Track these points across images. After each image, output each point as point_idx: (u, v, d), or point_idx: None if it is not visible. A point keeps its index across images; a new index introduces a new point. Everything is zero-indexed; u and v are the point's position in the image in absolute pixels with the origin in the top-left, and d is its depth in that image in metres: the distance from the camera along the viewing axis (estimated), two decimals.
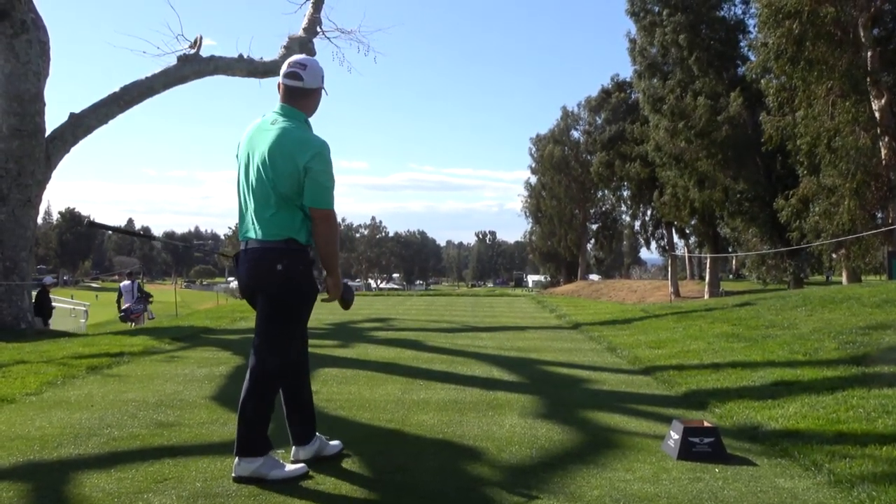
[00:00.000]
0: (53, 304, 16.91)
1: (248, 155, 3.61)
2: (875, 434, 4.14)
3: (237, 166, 3.71)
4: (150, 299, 17.66)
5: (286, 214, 3.51)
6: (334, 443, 3.98)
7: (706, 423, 4.12)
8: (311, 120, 3.71)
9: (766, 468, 3.76)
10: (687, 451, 3.89)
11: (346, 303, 3.81)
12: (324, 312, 14.22)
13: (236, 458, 3.52)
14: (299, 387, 3.82)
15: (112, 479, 3.52)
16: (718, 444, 3.93)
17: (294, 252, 3.52)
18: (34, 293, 16.82)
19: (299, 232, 3.53)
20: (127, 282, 17.81)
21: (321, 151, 3.51)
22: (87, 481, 3.49)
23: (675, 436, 4.00)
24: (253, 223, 3.57)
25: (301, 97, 3.64)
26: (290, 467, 3.60)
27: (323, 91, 3.73)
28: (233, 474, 3.52)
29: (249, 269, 3.57)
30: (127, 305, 16.90)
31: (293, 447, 3.82)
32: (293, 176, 3.46)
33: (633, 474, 3.66)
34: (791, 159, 25.77)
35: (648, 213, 48.45)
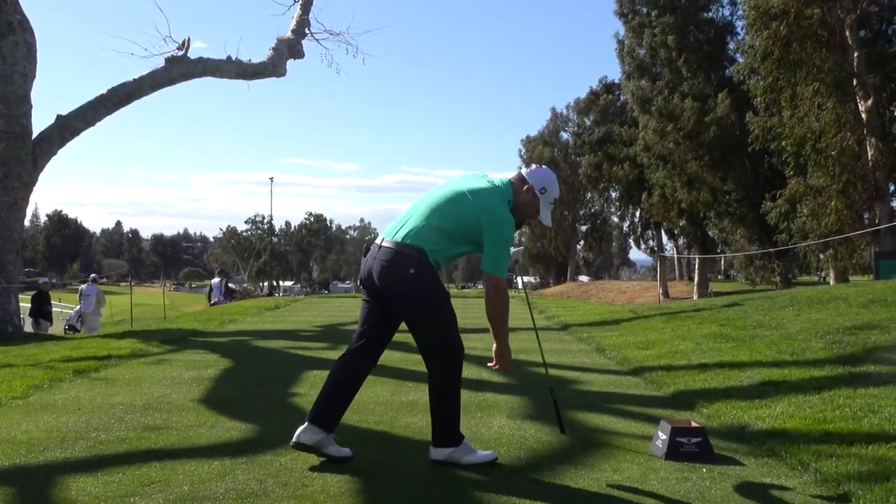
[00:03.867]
0: (46, 307, 16.80)
1: (446, 185, 3.87)
2: (861, 433, 4.17)
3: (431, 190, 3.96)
4: (235, 295, 20.92)
5: (434, 233, 3.67)
6: (344, 449, 3.88)
7: (694, 424, 4.14)
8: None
9: (754, 468, 3.78)
10: (675, 452, 3.90)
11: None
12: (312, 314, 14.18)
13: (431, 447, 3.84)
14: (354, 381, 3.91)
15: (98, 482, 3.50)
16: (706, 445, 3.94)
17: (422, 262, 3.65)
18: (31, 295, 16.91)
19: (433, 253, 3.67)
20: (217, 279, 20.54)
21: (503, 220, 3.67)
22: (73, 485, 3.47)
23: (662, 436, 4.01)
24: (402, 227, 3.75)
25: (517, 185, 3.84)
26: (481, 453, 3.83)
27: (539, 200, 3.85)
28: (429, 458, 3.83)
29: (380, 270, 3.70)
30: (215, 300, 19.18)
31: (304, 424, 3.80)
32: (462, 219, 3.67)
33: (621, 475, 3.67)
34: (775, 159, 25.91)
35: (637, 214, 48.65)
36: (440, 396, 3.80)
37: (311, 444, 3.78)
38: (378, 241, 3.82)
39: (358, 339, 3.92)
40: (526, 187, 3.82)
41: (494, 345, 3.83)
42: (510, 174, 3.94)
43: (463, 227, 3.69)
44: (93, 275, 20.46)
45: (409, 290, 3.67)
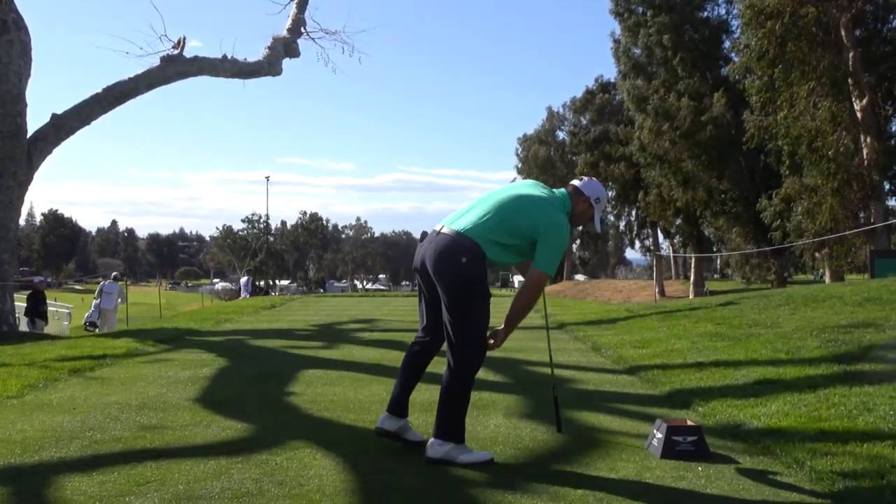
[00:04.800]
0: (41, 306, 16.75)
1: (507, 188, 4.12)
2: (856, 431, 4.18)
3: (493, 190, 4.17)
4: (261, 293, 22.68)
5: (489, 230, 3.84)
6: (417, 434, 4.14)
7: (689, 422, 4.15)
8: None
9: (749, 466, 3.79)
10: (670, 450, 3.91)
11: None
12: (308, 313, 14.17)
13: (431, 439, 3.86)
14: (417, 369, 4.15)
15: (94, 482, 3.49)
16: (702, 443, 3.95)
17: (477, 255, 3.82)
18: (26, 295, 16.88)
19: (487, 248, 3.83)
20: (245, 278, 22.60)
21: (562, 227, 3.89)
22: (68, 484, 3.46)
23: (658, 435, 4.01)
24: (461, 218, 3.95)
25: (574, 196, 4.10)
26: (478, 453, 3.89)
27: (594, 209, 4.12)
28: (426, 455, 3.84)
29: (434, 253, 3.86)
30: (244, 296, 20.76)
31: (384, 415, 4.09)
32: (519, 227, 3.85)
33: (617, 473, 3.68)
34: (771, 158, 25.94)
35: (633, 213, 48.69)
36: (448, 389, 3.87)
37: (393, 431, 4.06)
38: (437, 227, 4.00)
39: (420, 335, 4.17)
40: (583, 198, 4.10)
41: (502, 327, 3.99)
42: (573, 180, 4.21)
43: (517, 239, 3.88)
44: (115, 273, 20.52)
45: (455, 275, 3.81)
